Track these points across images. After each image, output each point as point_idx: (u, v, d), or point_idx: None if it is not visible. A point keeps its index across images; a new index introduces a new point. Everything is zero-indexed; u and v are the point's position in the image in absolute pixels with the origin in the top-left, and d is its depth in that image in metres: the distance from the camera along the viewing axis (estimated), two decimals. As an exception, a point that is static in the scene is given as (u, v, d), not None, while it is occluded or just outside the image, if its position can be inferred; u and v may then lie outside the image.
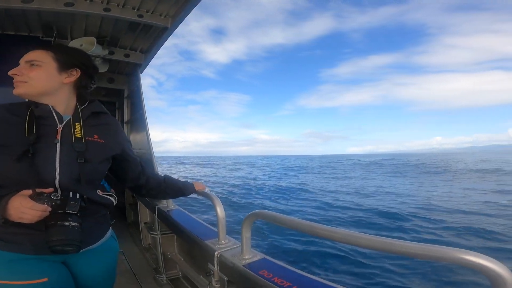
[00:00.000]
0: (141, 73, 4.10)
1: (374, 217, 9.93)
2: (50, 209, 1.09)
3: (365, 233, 1.07)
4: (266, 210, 1.56)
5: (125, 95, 4.67)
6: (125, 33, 3.39)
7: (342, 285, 1.33)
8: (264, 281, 1.42)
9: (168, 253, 2.98)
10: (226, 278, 1.73)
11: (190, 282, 2.67)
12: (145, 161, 3.74)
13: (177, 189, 1.94)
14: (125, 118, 4.71)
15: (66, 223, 1.09)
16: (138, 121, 4.21)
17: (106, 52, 3.54)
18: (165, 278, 2.90)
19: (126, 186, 1.70)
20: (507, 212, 10.16)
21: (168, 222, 2.73)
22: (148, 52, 3.74)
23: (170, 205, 2.92)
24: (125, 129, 4.67)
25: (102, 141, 1.36)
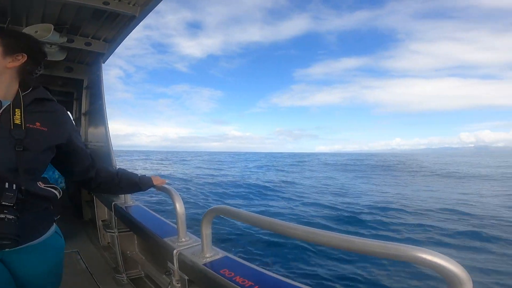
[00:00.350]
0: (104, 62, 3.87)
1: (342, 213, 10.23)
2: None
3: (329, 230, 1.04)
4: (225, 206, 1.50)
5: (85, 85, 4.40)
6: (88, 21, 3.16)
7: (304, 284, 1.29)
8: (225, 280, 1.36)
9: (128, 252, 2.84)
10: (186, 278, 1.65)
11: (152, 282, 2.57)
12: (103, 154, 3.57)
13: (132, 183, 1.84)
14: (83, 109, 4.44)
15: (1, 215, 1.02)
16: (96, 113, 3.98)
17: (65, 40, 3.29)
18: (125, 278, 2.75)
19: (74, 179, 1.59)
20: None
21: (125, 219, 2.58)
22: (113, 41, 3.53)
23: (128, 201, 2.75)
24: (83, 120, 4.42)
25: (45, 129, 1.26)
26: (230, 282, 1.33)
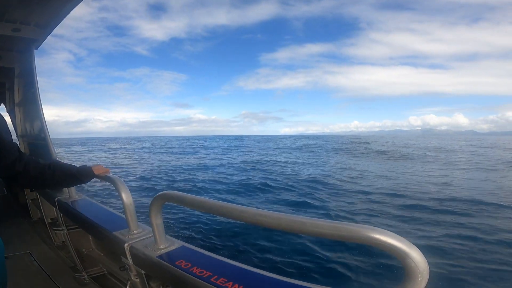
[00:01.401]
0: (36, 49, 3.49)
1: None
2: None
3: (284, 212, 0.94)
4: (173, 191, 1.36)
5: (16, 73, 3.96)
6: (14, 6, 2.78)
7: (261, 269, 1.23)
8: (181, 272, 1.25)
9: (84, 250, 2.65)
10: (143, 272, 1.52)
11: (116, 278, 2.42)
12: (40, 146, 3.27)
13: (69, 175, 1.63)
14: (16, 100, 4.01)
15: None
16: (30, 102, 3.62)
17: None
18: (86, 277, 2.56)
19: None
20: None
21: (71, 215, 2.36)
22: (46, 26, 3.16)
23: (73, 195, 2.51)
24: (17, 111, 4.00)
25: None
26: (187, 274, 1.23)
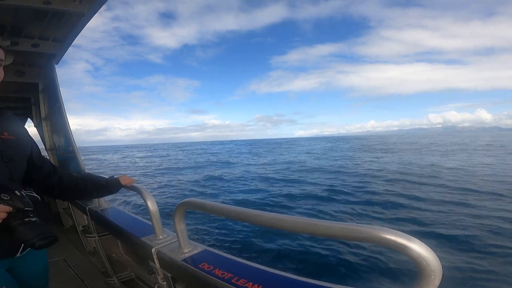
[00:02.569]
0: (57, 63, 3.65)
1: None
2: (11, 208, 1.07)
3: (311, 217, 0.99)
4: (194, 199, 1.44)
5: (40, 88, 4.15)
6: (30, 22, 2.92)
7: (279, 269, 1.29)
8: (204, 274, 1.34)
9: (114, 255, 2.78)
10: (169, 275, 1.62)
11: (144, 283, 2.54)
12: (69, 159, 3.43)
13: (99, 186, 1.78)
14: (43, 114, 4.21)
15: (33, 219, 1.11)
16: (56, 116, 3.80)
17: (8, 43, 3.05)
18: (116, 281, 2.71)
19: (34, 187, 1.52)
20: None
21: (102, 222, 2.51)
22: (64, 40, 3.30)
23: (102, 204, 2.67)
24: (44, 126, 4.20)
25: (13, 137, 1.30)
26: (209, 276, 1.31)
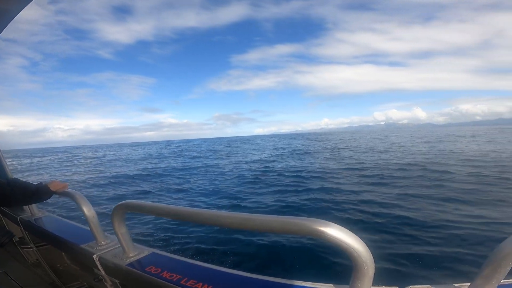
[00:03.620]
0: None
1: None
2: None
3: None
4: (131, 200, 1.35)
5: None
6: None
7: (230, 268, 1.27)
8: (151, 277, 1.27)
9: (59, 265, 2.56)
10: (117, 281, 1.52)
11: None
12: None
13: (28, 193, 1.62)
14: None
15: None
16: None
17: None
18: None
19: None
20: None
21: (37, 232, 2.29)
22: None
23: (36, 212, 2.43)
24: None
25: None
26: (157, 279, 1.25)
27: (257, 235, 5.16)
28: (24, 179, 1.75)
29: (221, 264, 1.35)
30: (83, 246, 1.68)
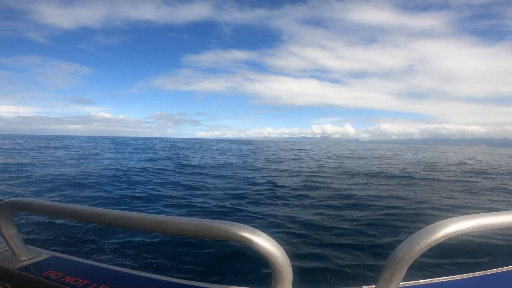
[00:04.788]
0: None
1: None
2: None
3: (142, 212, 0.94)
4: (19, 198, 1.19)
5: None
6: None
7: (143, 271, 1.21)
8: (50, 283, 1.12)
9: None
10: (9, 286, 1.28)
11: None
12: None
13: None
14: None
15: None
16: None
17: None
18: None
19: None
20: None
21: None
22: None
23: None
24: None
25: None
26: (58, 284, 1.10)
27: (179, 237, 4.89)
28: None
29: (137, 268, 1.27)
30: None
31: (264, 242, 0.78)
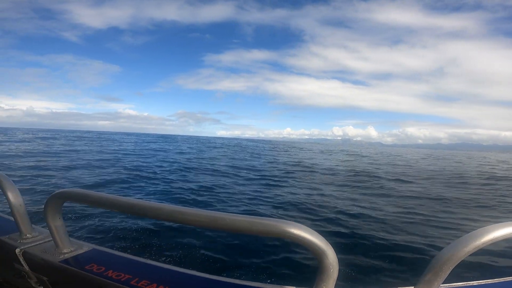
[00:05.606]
0: None
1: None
2: None
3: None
4: (73, 188, 1.18)
5: None
6: None
7: (185, 268, 1.21)
8: (93, 277, 1.13)
9: None
10: (45, 278, 1.31)
11: (12, 286, 2.03)
12: None
13: None
14: None
15: None
16: None
17: None
18: None
19: None
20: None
21: None
22: None
23: None
24: None
25: None
26: (101, 278, 1.12)
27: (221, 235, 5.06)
28: None
29: (178, 264, 1.26)
30: (2, 238, 1.42)
31: (315, 239, 0.80)
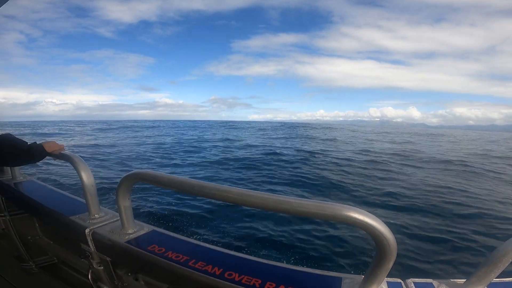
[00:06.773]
0: None
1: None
2: None
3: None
4: (146, 170, 1.21)
5: None
6: None
7: (239, 251, 1.22)
8: (155, 257, 1.17)
9: (30, 237, 2.36)
10: (108, 259, 1.38)
11: (70, 267, 2.19)
12: None
13: (19, 151, 1.45)
14: None
15: None
16: None
17: None
18: (34, 266, 2.32)
19: None
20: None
21: (17, 199, 2.08)
22: None
23: (17, 176, 2.21)
24: None
25: None
26: (162, 259, 1.15)
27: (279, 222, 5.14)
28: None
29: (229, 247, 1.27)
30: (72, 217, 1.52)
31: (378, 225, 0.79)
